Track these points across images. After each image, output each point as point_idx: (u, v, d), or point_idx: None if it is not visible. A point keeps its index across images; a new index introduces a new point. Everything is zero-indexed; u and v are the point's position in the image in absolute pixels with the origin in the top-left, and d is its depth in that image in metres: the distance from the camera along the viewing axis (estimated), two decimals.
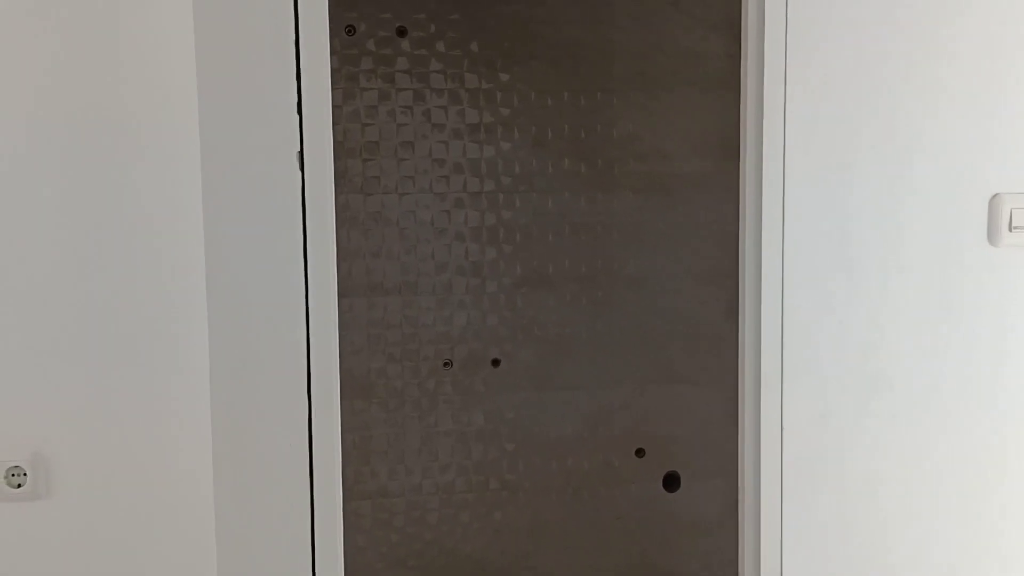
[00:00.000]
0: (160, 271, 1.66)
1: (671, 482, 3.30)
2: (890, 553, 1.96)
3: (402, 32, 3.04)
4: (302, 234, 1.64)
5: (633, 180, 3.18)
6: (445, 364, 3.16)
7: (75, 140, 1.63)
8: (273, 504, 1.69)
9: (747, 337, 1.86)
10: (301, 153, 1.64)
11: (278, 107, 1.62)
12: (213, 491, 1.67)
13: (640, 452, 3.28)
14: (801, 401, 1.88)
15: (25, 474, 1.67)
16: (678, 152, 3.18)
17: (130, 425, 1.69)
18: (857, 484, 1.93)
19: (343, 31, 3.00)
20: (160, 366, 1.68)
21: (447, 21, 3.05)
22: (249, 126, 1.62)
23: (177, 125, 1.62)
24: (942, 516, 1.98)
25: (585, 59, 3.12)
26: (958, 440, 1.96)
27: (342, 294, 3.05)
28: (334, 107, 3.01)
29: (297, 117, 1.62)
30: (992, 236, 1.91)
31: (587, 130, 3.15)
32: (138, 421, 1.69)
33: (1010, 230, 1.89)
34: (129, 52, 1.62)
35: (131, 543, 1.72)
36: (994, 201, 1.90)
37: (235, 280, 1.65)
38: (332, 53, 2.99)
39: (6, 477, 1.66)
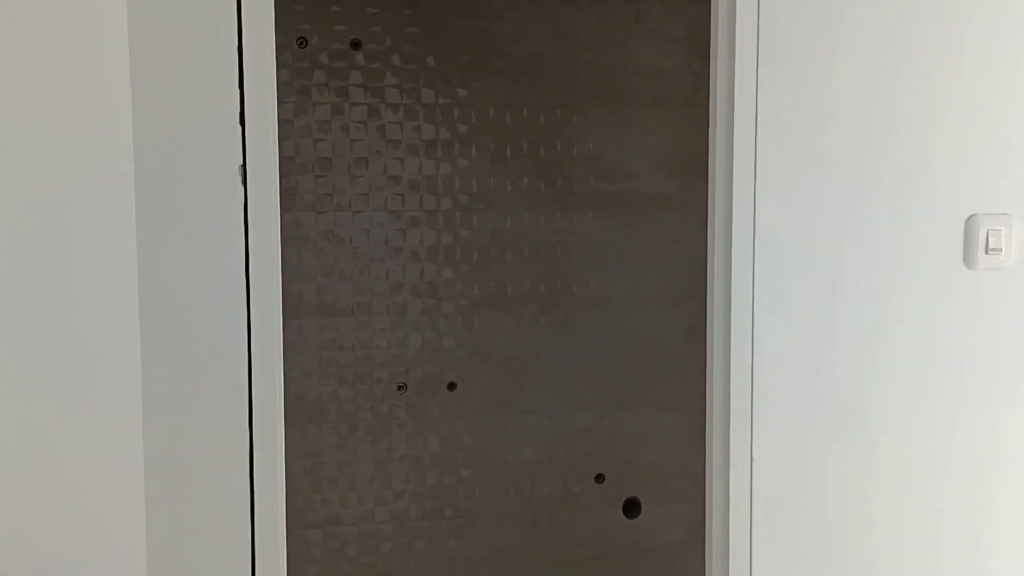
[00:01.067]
0: (90, 291, 1.54)
1: (631, 508, 3.22)
2: None
3: (356, 45, 2.95)
4: (244, 253, 1.54)
5: (594, 199, 3.10)
6: (399, 387, 3.06)
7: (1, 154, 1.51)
8: (210, 538, 1.59)
9: (716, 364, 1.78)
10: (244, 167, 1.54)
11: (219, 118, 1.51)
12: (145, 524, 1.56)
13: (600, 478, 3.19)
14: (771, 430, 1.81)
15: None
16: (640, 170, 3.11)
17: (56, 454, 1.57)
18: (828, 515, 1.86)
19: (295, 43, 2.91)
20: (90, 394, 1.56)
21: (403, 34, 2.97)
22: (187, 138, 1.52)
23: (111, 138, 1.51)
24: (916, 547, 1.91)
25: (545, 74, 3.05)
26: (935, 468, 1.90)
27: (292, 315, 2.96)
28: (285, 121, 2.92)
29: (240, 128, 1.52)
30: (968, 258, 1.85)
31: (547, 147, 3.08)
32: (67, 450, 1.57)
33: (986, 252, 1.84)
34: (61, 60, 1.51)
35: None
36: (970, 222, 1.84)
37: (171, 302, 1.55)
38: (283, 66, 2.91)
39: None
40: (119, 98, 1.50)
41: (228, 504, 1.58)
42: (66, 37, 1.50)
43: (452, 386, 3.09)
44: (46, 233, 1.53)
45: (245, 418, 1.58)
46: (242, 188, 1.54)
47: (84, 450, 1.56)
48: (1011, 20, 1.84)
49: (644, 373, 3.16)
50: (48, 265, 1.53)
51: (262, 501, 1.58)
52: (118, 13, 1.48)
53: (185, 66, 1.51)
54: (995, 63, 1.84)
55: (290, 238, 2.94)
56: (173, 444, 1.57)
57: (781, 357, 1.80)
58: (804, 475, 1.84)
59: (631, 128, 3.10)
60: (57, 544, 1.58)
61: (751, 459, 1.79)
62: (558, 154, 3.08)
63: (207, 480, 1.58)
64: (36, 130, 1.51)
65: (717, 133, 1.75)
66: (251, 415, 1.58)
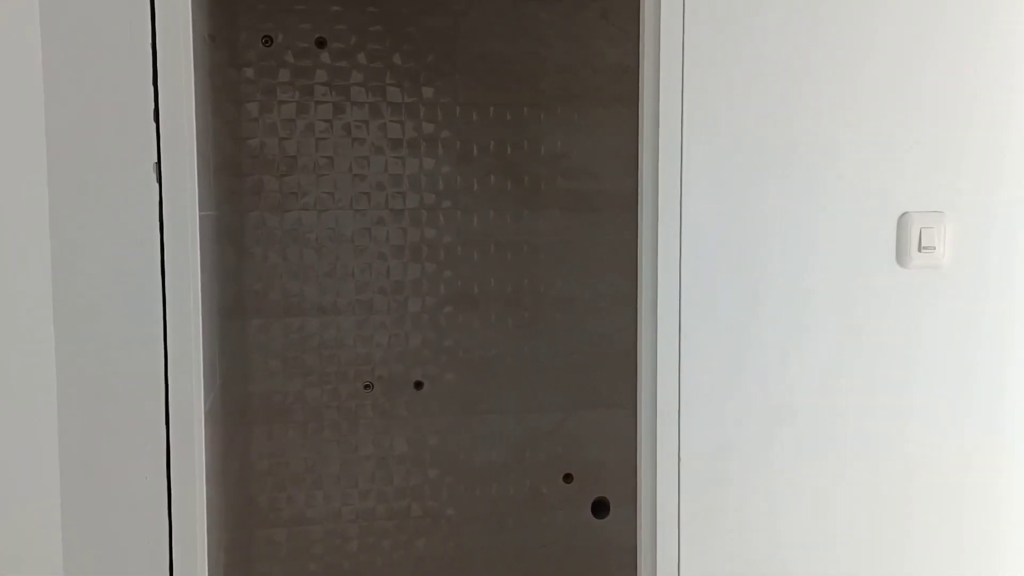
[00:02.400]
0: (2, 289, 1.53)
1: (600, 508, 3.20)
2: None
3: (321, 43, 2.94)
4: (160, 251, 1.53)
5: (560, 198, 3.09)
6: (366, 386, 3.05)
7: None
8: (127, 538, 1.58)
9: (644, 363, 1.77)
10: (159, 164, 1.53)
11: (132, 115, 1.51)
12: (61, 528, 1.55)
13: (568, 478, 3.18)
14: (700, 432, 1.79)
15: None
16: (606, 169, 3.09)
17: None
18: (759, 517, 1.84)
19: (260, 41, 2.90)
20: (3, 392, 1.55)
21: (369, 33, 2.96)
22: (100, 135, 1.51)
23: (22, 134, 1.50)
24: (848, 549, 1.89)
25: (512, 73, 3.04)
26: (865, 470, 1.88)
27: (257, 315, 2.96)
28: (250, 120, 2.92)
29: (154, 126, 1.51)
30: (901, 257, 1.82)
31: (513, 146, 3.06)
32: None
33: (919, 250, 1.81)
34: None
35: None
36: (903, 220, 1.82)
37: (85, 300, 1.54)
38: (248, 64, 2.91)
39: None
40: (31, 95, 1.49)
41: (145, 504, 1.57)
42: None
43: (419, 385, 3.09)
44: None
45: (161, 417, 1.57)
46: (156, 186, 1.54)
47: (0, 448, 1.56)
48: (947, 14, 1.82)
49: (611, 373, 3.15)
50: None
51: (179, 501, 1.57)
52: (30, 9, 1.48)
53: (97, 63, 1.50)
54: (929, 58, 1.82)
55: (255, 237, 2.94)
56: (88, 443, 1.56)
57: (709, 357, 1.78)
58: (734, 476, 1.82)
59: (597, 127, 3.09)
60: None
61: (678, 459, 1.78)
62: (525, 153, 3.07)
63: (123, 480, 1.57)
64: None
65: (645, 131, 1.73)
66: (168, 414, 1.57)
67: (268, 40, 2.92)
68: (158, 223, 1.53)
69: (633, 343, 3.10)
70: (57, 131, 1.50)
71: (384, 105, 2.99)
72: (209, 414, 1.82)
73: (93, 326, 1.55)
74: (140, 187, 1.52)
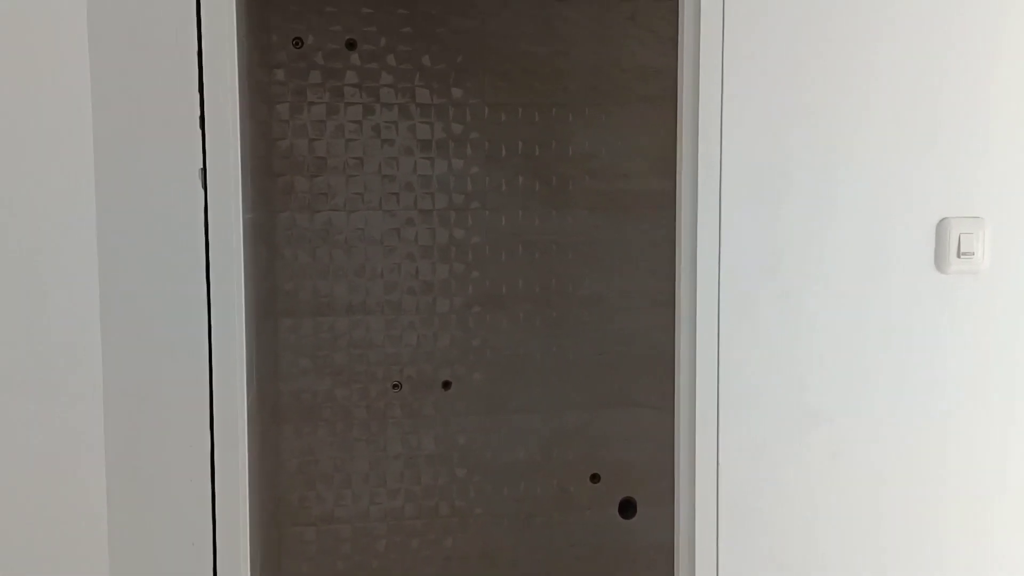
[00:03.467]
0: (51, 293, 1.56)
1: (627, 508, 3.21)
2: None
3: (351, 45, 2.96)
4: (204, 254, 1.55)
5: (588, 198, 3.10)
6: (394, 386, 3.07)
7: None
8: (173, 542, 1.60)
9: (683, 366, 1.77)
10: (204, 170, 1.55)
11: (178, 121, 1.52)
12: (108, 527, 1.57)
13: (595, 477, 3.19)
14: (736, 433, 1.79)
15: None
16: (634, 169, 3.10)
17: (17, 457, 1.58)
18: (796, 519, 1.85)
19: (291, 43, 2.92)
20: (52, 395, 1.57)
21: (398, 34, 2.97)
22: (147, 141, 1.53)
23: (71, 140, 1.52)
24: (883, 553, 1.89)
25: (540, 74, 3.05)
26: (901, 473, 1.88)
27: (288, 314, 2.98)
28: (281, 121, 2.94)
29: (200, 132, 1.53)
30: (939, 262, 1.82)
31: (542, 146, 3.07)
32: (25, 453, 1.58)
33: (958, 256, 1.81)
34: (20, 61, 1.52)
35: None
36: (941, 225, 1.82)
37: (132, 304, 1.56)
38: (279, 66, 2.93)
39: None
40: (80, 103, 1.51)
41: (189, 505, 1.59)
42: (27, 42, 1.51)
43: (447, 385, 3.10)
44: (7, 235, 1.54)
45: (206, 419, 1.58)
46: (202, 191, 1.55)
47: (47, 451, 1.57)
48: (987, 23, 1.82)
49: (638, 373, 3.16)
50: (9, 267, 1.54)
51: (223, 502, 1.59)
52: (78, 18, 1.50)
53: (145, 71, 1.52)
54: (970, 66, 1.82)
55: (286, 237, 2.96)
56: (134, 445, 1.58)
57: (747, 360, 1.78)
58: (772, 478, 1.82)
59: (626, 127, 3.09)
60: (20, 544, 1.59)
61: (717, 464, 1.78)
62: (552, 153, 3.08)
63: (168, 481, 1.59)
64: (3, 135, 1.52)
65: (683, 136, 1.74)
66: (212, 416, 1.58)
67: (299, 42, 2.93)
68: (203, 227, 1.55)
69: (661, 342, 3.12)
70: (105, 137, 1.52)
71: (413, 106, 3.00)
72: (248, 414, 1.83)
73: (139, 329, 1.57)
74: (186, 192, 1.54)
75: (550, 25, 3.04)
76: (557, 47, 3.05)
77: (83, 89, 1.50)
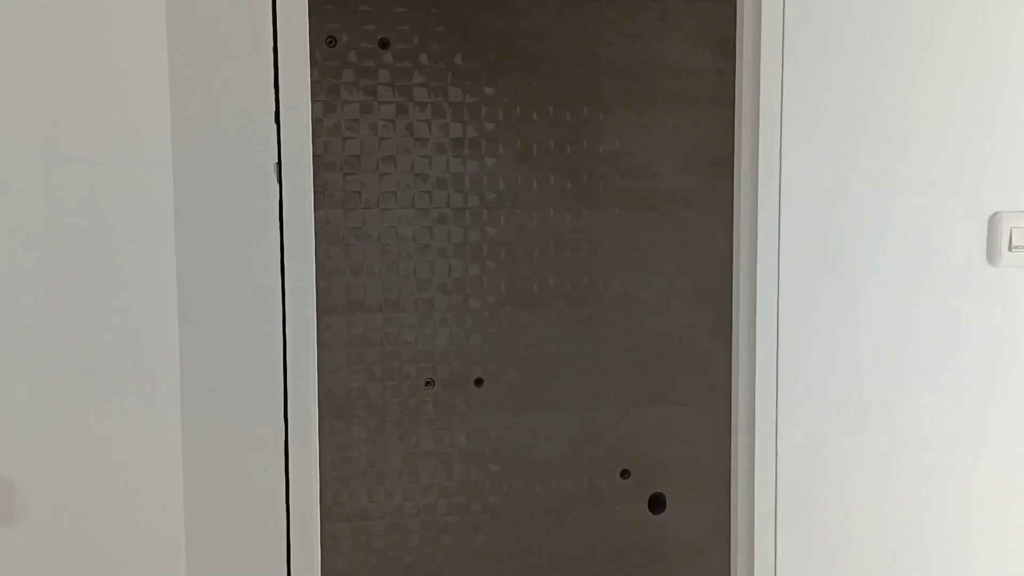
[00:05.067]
0: (130, 288, 1.58)
1: (656, 504, 3.24)
2: None
3: (384, 44, 2.98)
4: (279, 249, 1.57)
5: (619, 197, 3.12)
6: (427, 383, 3.09)
7: (42, 152, 1.54)
8: (247, 529, 1.62)
9: (741, 359, 1.80)
10: (279, 165, 1.57)
11: (255, 117, 1.55)
12: (184, 516, 1.59)
13: (625, 473, 3.22)
14: (795, 425, 1.82)
15: None
16: (665, 168, 3.13)
17: (98, 449, 1.61)
18: (853, 510, 1.88)
19: (324, 42, 2.94)
20: (129, 387, 1.60)
21: (431, 33, 3.00)
22: (224, 137, 1.56)
23: (149, 137, 1.55)
24: (941, 542, 1.92)
25: (571, 73, 3.07)
26: (957, 464, 1.91)
27: (322, 312, 2.99)
28: (314, 120, 2.95)
29: (275, 127, 1.55)
30: (991, 255, 1.86)
31: (573, 145, 3.10)
32: (106, 444, 1.61)
33: (1010, 249, 1.84)
34: (99, 59, 1.54)
35: (98, 571, 1.64)
36: (993, 220, 1.85)
37: (209, 298, 1.58)
38: (313, 65, 2.93)
39: None
40: (158, 100, 1.53)
41: (264, 495, 1.61)
42: (106, 40, 1.54)
43: (479, 382, 3.12)
44: (88, 232, 1.57)
45: (280, 412, 1.61)
46: (277, 186, 1.58)
47: (126, 443, 1.60)
48: None
49: (668, 370, 3.18)
50: (90, 264, 1.57)
51: (297, 492, 1.62)
52: (157, 18, 1.52)
53: (222, 68, 1.55)
54: (1020, 61, 1.85)
55: (319, 235, 2.96)
56: (210, 437, 1.61)
57: (806, 353, 1.82)
58: (829, 470, 1.86)
59: (656, 126, 3.12)
60: (100, 533, 1.62)
61: (776, 454, 1.81)
62: (584, 152, 3.10)
63: (244, 472, 1.61)
64: (78, 133, 1.55)
65: (743, 132, 1.77)
66: (286, 409, 1.61)
67: (332, 41, 2.96)
68: (279, 222, 1.57)
69: (691, 340, 3.15)
70: (182, 135, 1.54)
71: (446, 105, 3.03)
72: None
73: (216, 323, 1.59)
74: (262, 187, 1.56)
75: (582, 24, 3.07)
76: (589, 46, 3.07)
77: (162, 88, 1.53)
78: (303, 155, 1.59)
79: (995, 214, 1.85)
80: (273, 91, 1.56)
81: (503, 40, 3.03)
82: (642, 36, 3.10)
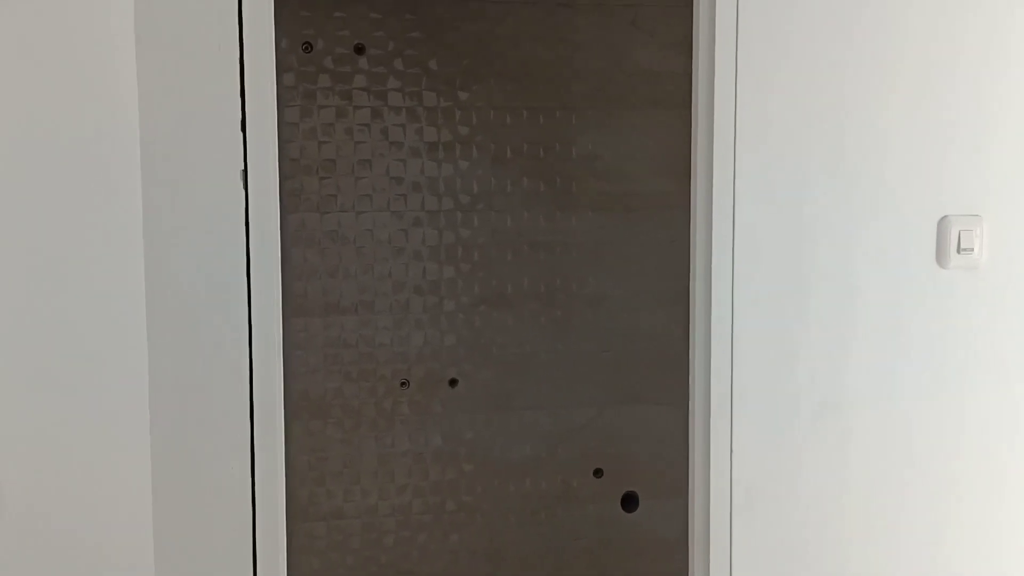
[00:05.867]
0: (99, 290, 1.62)
1: (630, 502, 3.28)
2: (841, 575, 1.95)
3: (360, 49, 3.02)
4: (245, 253, 1.61)
5: (593, 199, 3.17)
6: (402, 384, 3.13)
7: (12, 155, 1.58)
8: (215, 528, 1.66)
9: (697, 360, 1.85)
10: (245, 171, 1.61)
11: (222, 124, 1.59)
12: (152, 514, 1.63)
13: (598, 472, 3.26)
14: (751, 425, 1.87)
15: None
16: (637, 171, 3.17)
17: (67, 449, 1.64)
18: (807, 508, 1.93)
19: (300, 48, 2.98)
20: (99, 387, 1.64)
21: (406, 39, 3.04)
22: (192, 143, 1.60)
23: (119, 141, 1.59)
24: (894, 539, 1.97)
25: (544, 77, 3.12)
26: (909, 461, 1.96)
27: (298, 314, 3.04)
28: (290, 124, 3.00)
29: (241, 135, 1.60)
30: (940, 258, 1.91)
31: (546, 149, 3.14)
32: (75, 444, 1.65)
33: (958, 252, 1.90)
34: (71, 65, 1.58)
35: (67, 568, 1.67)
36: (943, 223, 1.90)
37: (177, 300, 1.62)
38: (289, 70, 2.99)
39: None
40: (127, 107, 1.57)
41: (230, 493, 1.65)
42: (78, 48, 1.57)
43: (453, 383, 3.16)
44: (58, 235, 1.60)
45: (246, 412, 1.65)
46: (243, 191, 1.62)
47: (96, 441, 1.64)
48: (989, 30, 1.90)
49: (641, 370, 3.22)
50: (61, 265, 1.61)
51: (262, 490, 1.66)
52: (126, 27, 1.56)
53: (190, 76, 1.59)
54: (970, 70, 1.90)
55: (295, 238, 3.01)
56: (178, 436, 1.64)
57: (760, 354, 1.86)
58: (782, 467, 1.90)
59: (629, 129, 3.17)
60: (70, 529, 1.66)
61: (731, 451, 1.86)
62: (557, 155, 3.14)
63: (211, 471, 1.65)
64: (50, 136, 1.58)
65: (699, 135, 1.81)
66: (252, 409, 1.65)
67: (308, 46, 2.99)
68: (244, 227, 1.61)
69: (664, 340, 3.20)
70: (151, 140, 1.58)
71: (421, 109, 3.07)
72: None
73: (184, 325, 1.63)
74: (228, 193, 1.60)
75: (554, 30, 3.11)
76: (561, 51, 3.12)
77: (131, 94, 1.56)
78: (269, 161, 1.63)
79: (944, 217, 1.90)
80: (240, 100, 1.60)
81: (477, 45, 3.07)
82: (614, 41, 3.14)
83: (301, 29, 2.97)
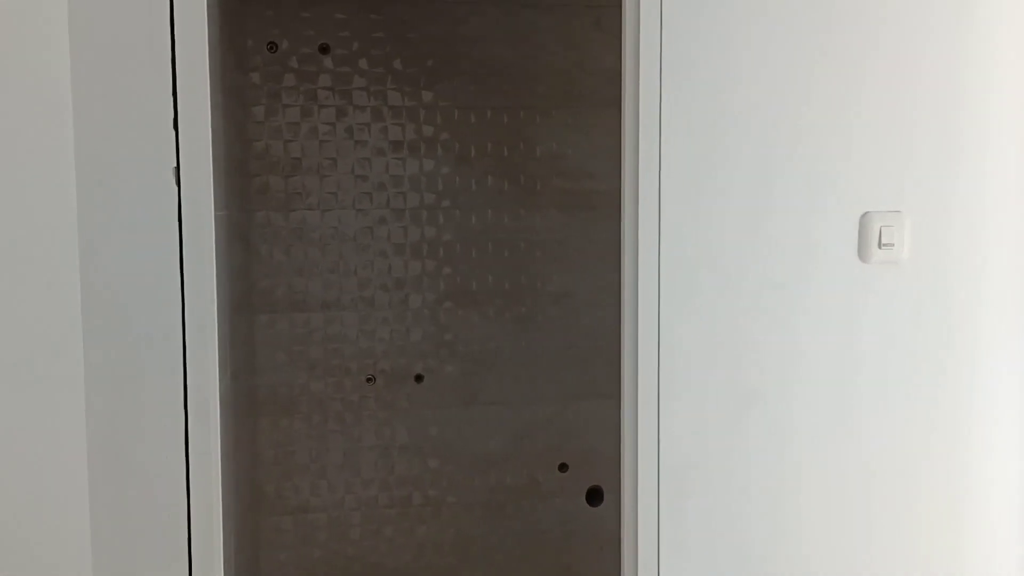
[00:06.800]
0: (34, 286, 1.66)
1: (594, 496, 3.32)
2: (766, 563, 1.99)
3: (325, 49, 3.06)
4: (178, 249, 1.66)
5: (556, 197, 3.21)
6: (368, 379, 3.17)
7: None
8: (149, 518, 1.71)
9: (627, 357, 1.89)
10: (177, 168, 1.66)
11: (154, 123, 1.63)
12: (89, 506, 1.67)
13: (563, 467, 3.30)
14: (678, 417, 1.91)
15: None
16: (600, 170, 3.22)
17: (5, 438, 1.69)
18: (733, 497, 1.97)
19: (266, 48, 3.03)
20: (34, 382, 1.68)
21: (370, 39, 3.08)
22: (124, 141, 1.64)
23: (53, 139, 1.63)
24: (818, 525, 2.01)
25: (508, 77, 3.16)
26: (829, 451, 2.00)
27: (264, 310, 3.08)
28: (256, 123, 3.04)
29: (174, 132, 1.64)
30: (863, 253, 1.95)
31: (510, 147, 3.18)
32: (10, 437, 1.69)
33: (879, 247, 1.94)
34: (2, 60, 1.62)
35: (3, 561, 1.72)
36: (864, 219, 1.94)
37: (111, 295, 1.67)
38: (254, 70, 3.03)
39: None
40: (61, 107, 1.62)
41: (164, 484, 1.70)
42: (11, 48, 1.62)
43: (419, 378, 3.20)
44: None
45: (180, 403, 1.69)
46: (176, 188, 1.66)
47: (31, 436, 1.68)
48: (909, 30, 1.94)
49: (605, 366, 3.26)
50: None
51: (197, 481, 1.70)
52: (60, 27, 1.60)
53: (122, 75, 1.63)
54: (893, 69, 1.95)
55: (261, 236, 3.06)
56: (113, 430, 1.69)
57: (687, 348, 1.90)
58: (712, 459, 1.94)
59: (591, 129, 3.21)
60: (4, 520, 1.70)
61: (658, 443, 1.90)
62: (521, 154, 3.19)
63: (146, 464, 1.70)
64: None
65: (626, 133, 1.86)
66: (186, 401, 1.69)
67: (273, 46, 3.04)
68: (177, 223, 1.66)
69: None
70: (85, 138, 1.62)
71: (385, 108, 3.11)
72: (222, 404, 1.94)
73: (118, 320, 1.67)
74: (161, 190, 1.65)
75: (518, 31, 3.15)
76: (525, 52, 3.16)
77: (64, 93, 1.61)
78: (201, 158, 1.67)
79: (865, 214, 1.94)
80: (172, 99, 1.64)
81: (441, 46, 3.12)
82: (577, 41, 3.19)
83: (266, 29, 3.01)
